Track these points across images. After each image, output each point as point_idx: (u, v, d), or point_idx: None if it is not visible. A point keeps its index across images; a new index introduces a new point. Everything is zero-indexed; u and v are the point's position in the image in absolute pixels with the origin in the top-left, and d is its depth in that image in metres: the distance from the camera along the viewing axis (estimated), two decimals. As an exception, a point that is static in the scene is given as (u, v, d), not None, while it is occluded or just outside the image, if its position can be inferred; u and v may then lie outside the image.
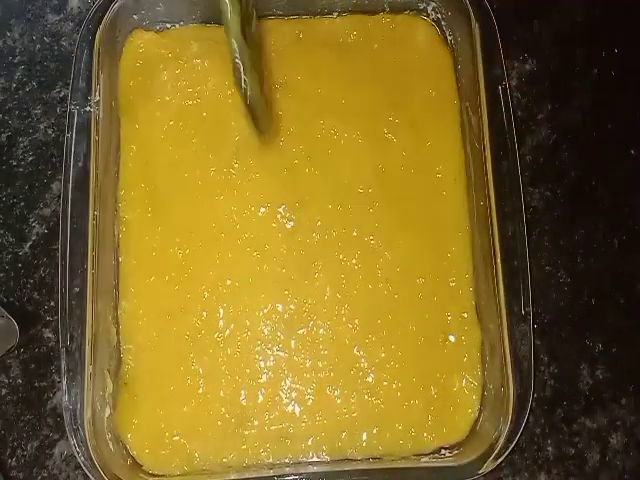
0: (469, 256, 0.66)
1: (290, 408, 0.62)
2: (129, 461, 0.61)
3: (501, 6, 0.69)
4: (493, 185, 0.62)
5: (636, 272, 0.69)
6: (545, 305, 0.68)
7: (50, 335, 0.66)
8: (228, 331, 0.63)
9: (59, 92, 0.71)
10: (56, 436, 0.65)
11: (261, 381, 0.63)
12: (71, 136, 0.61)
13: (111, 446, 0.61)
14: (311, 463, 0.62)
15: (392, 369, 0.63)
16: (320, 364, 0.63)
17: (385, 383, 0.63)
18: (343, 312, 0.64)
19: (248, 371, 0.63)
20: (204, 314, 0.64)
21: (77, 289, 0.60)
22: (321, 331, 0.64)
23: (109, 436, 0.61)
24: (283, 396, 0.63)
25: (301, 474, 0.59)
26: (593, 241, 0.69)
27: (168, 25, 0.69)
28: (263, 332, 0.64)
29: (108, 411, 0.61)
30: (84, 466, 0.57)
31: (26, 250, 0.68)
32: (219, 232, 0.65)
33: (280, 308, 0.64)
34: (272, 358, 0.63)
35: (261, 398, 0.62)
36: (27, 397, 0.65)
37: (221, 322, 0.64)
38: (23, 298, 0.67)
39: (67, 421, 0.58)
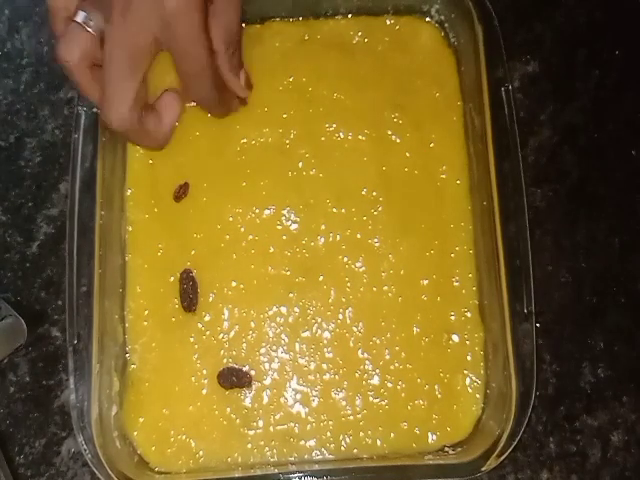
0: (472, 255, 0.66)
1: (295, 409, 0.63)
2: (135, 458, 0.62)
3: (503, 8, 0.69)
4: (496, 185, 0.62)
5: (637, 272, 0.69)
6: (547, 304, 0.68)
7: (57, 334, 0.67)
8: (233, 332, 0.64)
9: (66, 93, 0.71)
10: (63, 434, 0.65)
11: (266, 383, 0.63)
12: (78, 137, 0.61)
13: (118, 444, 0.61)
14: (316, 461, 0.62)
15: (396, 370, 0.63)
16: (325, 366, 0.63)
17: (389, 384, 0.63)
18: (347, 315, 0.64)
19: (253, 373, 0.63)
20: (209, 316, 0.64)
21: (84, 288, 0.60)
22: (325, 334, 0.64)
23: (116, 434, 0.61)
24: (288, 397, 0.63)
25: (306, 472, 0.59)
26: (595, 241, 0.70)
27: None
28: (267, 334, 0.64)
29: (115, 409, 0.62)
30: (91, 463, 0.58)
31: (34, 250, 0.68)
32: (224, 234, 0.65)
33: (284, 310, 0.64)
34: (277, 360, 0.64)
35: (266, 399, 0.63)
36: (35, 395, 0.66)
37: (226, 324, 0.64)
38: (31, 297, 0.67)
39: (74, 419, 0.58)
